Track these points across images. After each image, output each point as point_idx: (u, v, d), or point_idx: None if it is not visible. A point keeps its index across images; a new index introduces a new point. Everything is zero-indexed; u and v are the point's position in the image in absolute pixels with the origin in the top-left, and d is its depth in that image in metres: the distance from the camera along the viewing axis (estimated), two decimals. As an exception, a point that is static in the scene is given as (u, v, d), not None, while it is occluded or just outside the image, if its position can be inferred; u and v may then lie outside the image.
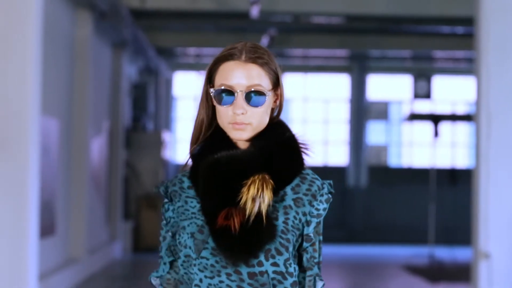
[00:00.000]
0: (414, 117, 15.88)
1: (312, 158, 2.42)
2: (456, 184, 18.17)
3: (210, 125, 2.41)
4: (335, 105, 19.75)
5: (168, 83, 19.13)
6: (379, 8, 12.98)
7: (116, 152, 14.42)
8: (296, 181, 2.37)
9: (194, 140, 2.41)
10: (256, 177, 2.29)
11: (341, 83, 19.69)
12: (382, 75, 19.60)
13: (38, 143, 7.42)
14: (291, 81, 19.29)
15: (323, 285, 2.38)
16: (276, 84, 2.41)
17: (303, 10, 13.23)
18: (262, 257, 2.26)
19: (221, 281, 2.27)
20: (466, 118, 15.90)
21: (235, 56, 2.36)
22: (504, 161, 7.85)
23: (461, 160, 19.59)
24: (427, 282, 12.16)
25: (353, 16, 13.59)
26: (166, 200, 2.42)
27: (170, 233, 2.41)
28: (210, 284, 2.28)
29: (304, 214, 2.35)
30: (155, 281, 2.45)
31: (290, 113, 19.43)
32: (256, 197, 2.26)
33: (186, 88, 19.65)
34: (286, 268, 2.27)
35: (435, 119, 14.74)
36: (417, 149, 19.77)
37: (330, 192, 2.39)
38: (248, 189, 2.27)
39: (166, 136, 16.64)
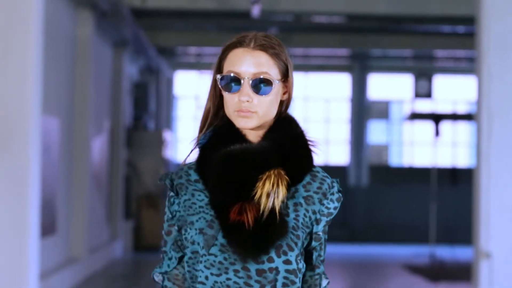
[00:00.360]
0: (415, 116, 15.86)
1: (319, 156, 2.39)
2: (457, 184, 18.15)
3: (216, 115, 2.34)
4: (336, 104, 19.74)
5: (169, 82, 19.13)
6: (380, 8, 12.98)
7: (117, 151, 14.41)
8: (307, 178, 2.33)
9: (201, 130, 2.34)
10: (272, 172, 2.23)
11: (342, 82, 19.68)
12: (383, 74, 19.59)
13: (39, 142, 7.41)
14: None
15: (328, 283, 2.36)
16: (286, 75, 2.37)
17: (304, 10, 13.22)
18: (273, 253, 2.20)
19: (228, 278, 2.20)
20: (467, 117, 15.89)
21: (244, 43, 2.30)
22: (505, 161, 7.84)
23: (462, 159, 19.58)
24: (428, 282, 12.15)
25: (354, 15, 13.59)
26: (172, 193, 2.33)
27: (176, 227, 2.32)
28: (216, 282, 2.21)
29: (314, 212, 2.31)
30: (158, 277, 2.36)
31: (291, 112, 19.39)
32: (271, 192, 2.21)
33: (187, 87, 19.64)
34: (297, 263, 2.23)
35: (436, 118, 14.72)
36: (418, 148, 19.76)
37: (339, 191, 2.36)
38: (264, 184, 2.21)
39: (167, 135, 16.64)
